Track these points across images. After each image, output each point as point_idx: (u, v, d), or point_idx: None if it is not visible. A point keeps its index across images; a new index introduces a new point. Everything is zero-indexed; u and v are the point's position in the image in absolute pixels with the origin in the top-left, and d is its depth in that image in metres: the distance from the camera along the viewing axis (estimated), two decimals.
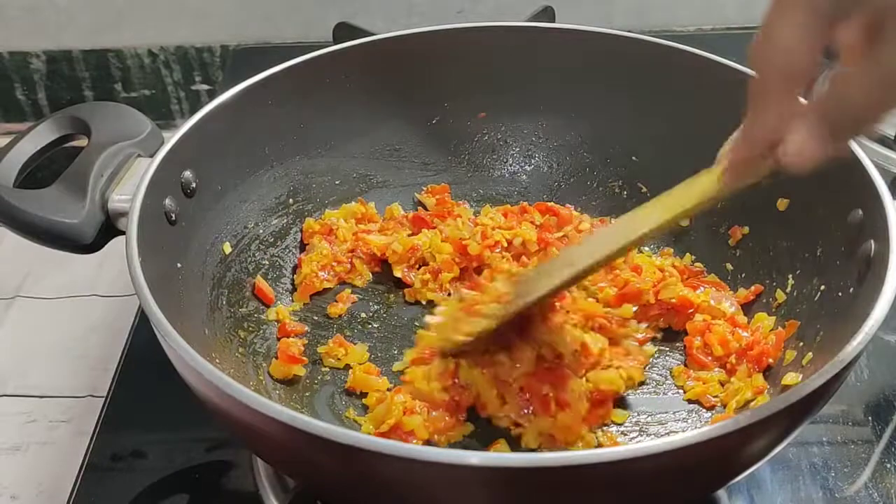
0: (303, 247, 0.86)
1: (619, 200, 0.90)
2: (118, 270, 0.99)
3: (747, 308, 0.79)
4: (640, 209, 0.64)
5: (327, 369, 0.76)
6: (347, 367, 0.76)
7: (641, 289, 0.78)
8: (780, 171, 0.52)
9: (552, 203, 0.90)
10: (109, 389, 0.80)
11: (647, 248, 0.87)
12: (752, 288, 0.79)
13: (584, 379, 0.70)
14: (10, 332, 0.95)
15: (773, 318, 0.75)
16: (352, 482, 0.55)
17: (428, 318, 0.75)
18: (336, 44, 0.86)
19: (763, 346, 0.72)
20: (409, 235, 0.86)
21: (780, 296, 0.76)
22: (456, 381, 0.71)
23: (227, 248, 0.79)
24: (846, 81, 0.47)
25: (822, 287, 0.70)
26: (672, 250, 0.86)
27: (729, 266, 0.82)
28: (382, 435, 0.67)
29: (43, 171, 0.74)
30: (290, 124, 0.85)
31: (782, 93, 0.49)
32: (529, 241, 0.84)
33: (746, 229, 0.82)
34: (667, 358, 0.77)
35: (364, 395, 0.73)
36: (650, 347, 0.77)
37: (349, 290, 0.83)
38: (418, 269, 0.84)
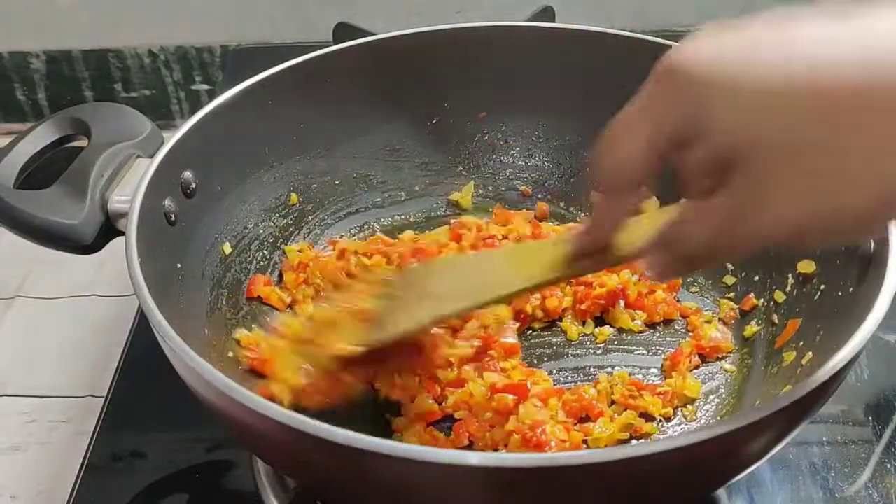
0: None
1: None
2: (118, 270, 0.99)
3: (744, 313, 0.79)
4: (495, 255, 0.69)
5: None
6: None
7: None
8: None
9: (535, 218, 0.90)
10: (109, 389, 0.80)
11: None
12: (743, 300, 0.80)
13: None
14: (10, 332, 0.95)
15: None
16: (352, 482, 0.55)
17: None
18: (336, 44, 0.86)
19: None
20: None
21: (780, 296, 0.76)
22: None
23: (227, 249, 0.79)
24: (683, 221, 0.49)
25: (822, 287, 0.70)
26: None
27: (729, 265, 0.82)
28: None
29: (43, 171, 0.74)
30: (290, 124, 0.85)
31: (616, 198, 0.53)
32: (525, 237, 0.84)
33: None
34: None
35: None
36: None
37: None
38: None
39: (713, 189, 0.46)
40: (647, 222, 0.57)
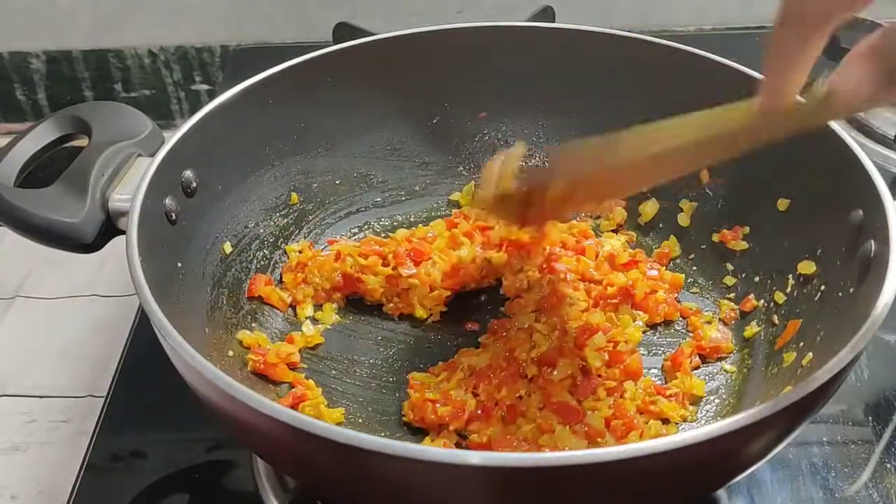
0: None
1: (619, 200, 0.90)
2: (118, 270, 0.99)
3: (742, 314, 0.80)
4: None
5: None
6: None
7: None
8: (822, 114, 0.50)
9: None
10: (109, 389, 0.80)
11: (647, 239, 0.88)
12: (742, 302, 0.80)
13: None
14: (10, 332, 0.95)
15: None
16: (352, 482, 0.55)
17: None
18: (336, 44, 0.86)
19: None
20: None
21: (780, 297, 0.76)
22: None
23: (228, 248, 0.79)
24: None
25: (823, 287, 0.70)
26: (677, 249, 0.86)
27: (729, 266, 0.82)
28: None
29: (43, 170, 0.74)
30: (290, 124, 0.85)
31: (818, 21, 0.48)
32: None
33: (747, 229, 0.82)
34: None
35: None
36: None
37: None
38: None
39: None
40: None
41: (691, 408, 0.72)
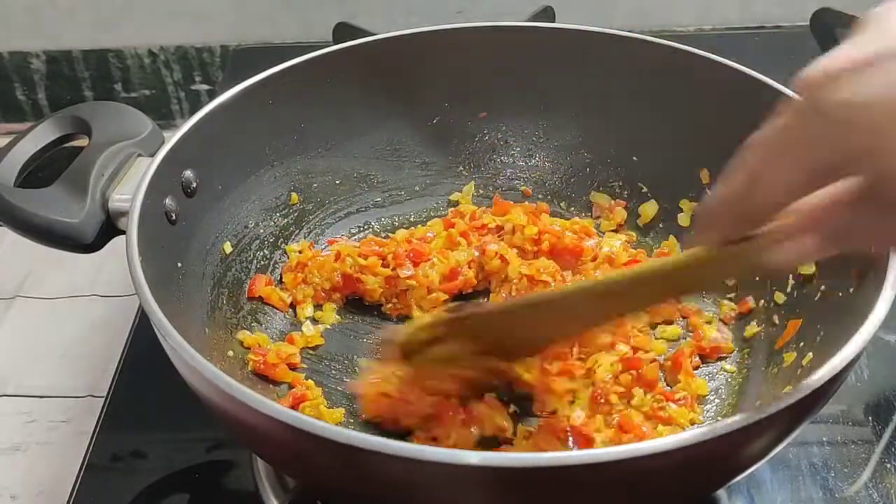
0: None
1: (619, 200, 0.90)
2: (118, 270, 0.99)
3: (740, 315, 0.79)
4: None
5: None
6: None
7: None
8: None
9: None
10: (109, 389, 0.80)
11: (647, 239, 0.88)
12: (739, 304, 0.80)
13: None
14: (10, 332, 0.95)
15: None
16: (352, 482, 0.55)
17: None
18: (336, 44, 0.86)
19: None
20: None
21: (780, 297, 0.76)
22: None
23: (228, 248, 0.79)
24: (841, 204, 0.47)
25: (823, 287, 0.70)
26: (677, 249, 0.86)
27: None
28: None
29: (43, 170, 0.74)
30: (290, 124, 0.85)
31: (741, 221, 0.50)
32: (519, 227, 0.84)
33: None
34: None
35: None
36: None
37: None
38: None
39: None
40: None
41: (699, 408, 0.72)
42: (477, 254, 0.83)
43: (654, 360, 0.74)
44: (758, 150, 0.48)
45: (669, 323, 0.80)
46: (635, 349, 0.75)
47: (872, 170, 0.44)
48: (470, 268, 0.83)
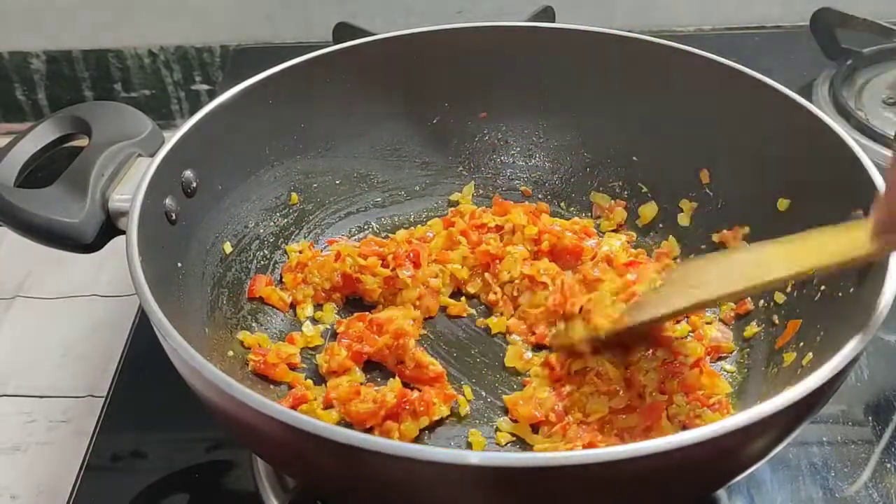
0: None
1: (619, 200, 0.90)
2: (118, 270, 0.99)
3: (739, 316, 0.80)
4: (768, 247, 0.66)
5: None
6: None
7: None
8: None
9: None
10: (109, 389, 0.80)
11: (647, 240, 0.88)
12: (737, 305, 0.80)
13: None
14: (10, 332, 0.95)
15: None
16: (352, 482, 0.55)
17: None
18: (336, 44, 0.86)
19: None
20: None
21: (780, 297, 0.76)
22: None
23: (228, 248, 0.79)
24: None
25: (822, 287, 0.70)
26: (677, 249, 0.86)
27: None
28: None
29: (43, 170, 0.74)
30: (290, 124, 0.85)
31: None
32: (519, 227, 0.84)
33: (747, 229, 0.82)
34: None
35: None
36: None
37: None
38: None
39: None
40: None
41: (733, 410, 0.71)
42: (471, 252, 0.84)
43: (694, 365, 0.73)
44: None
45: (676, 322, 0.80)
46: (675, 353, 0.74)
47: None
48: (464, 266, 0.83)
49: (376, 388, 0.72)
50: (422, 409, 0.70)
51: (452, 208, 0.91)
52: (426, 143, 0.93)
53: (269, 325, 0.80)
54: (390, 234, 0.88)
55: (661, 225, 0.88)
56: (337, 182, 0.90)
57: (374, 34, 0.89)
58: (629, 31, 0.87)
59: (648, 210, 0.89)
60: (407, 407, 0.70)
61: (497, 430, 0.71)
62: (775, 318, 0.76)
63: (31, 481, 0.79)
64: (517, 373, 0.76)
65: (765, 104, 0.78)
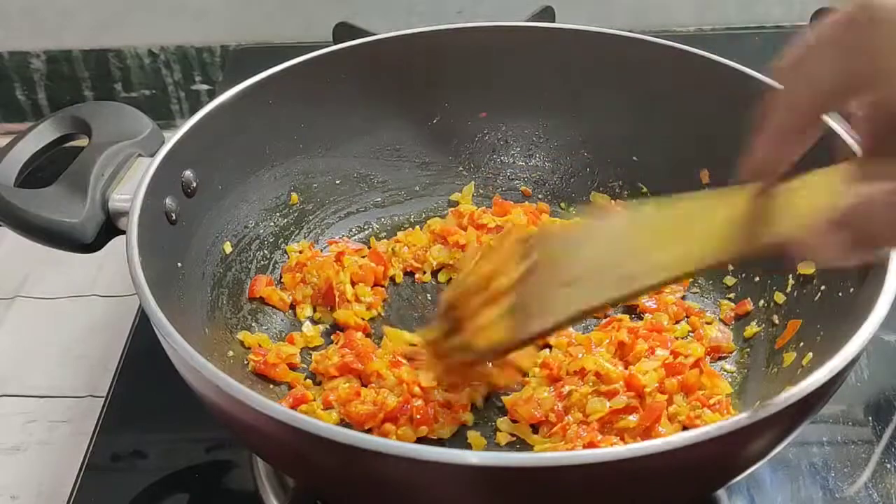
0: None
1: (619, 200, 0.90)
2: (118, 270, 0.99)
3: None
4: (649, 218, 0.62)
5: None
6: None
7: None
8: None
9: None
10: (109, 389, 0.80)
11: None
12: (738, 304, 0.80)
13: None
14: (10, 332, 0.95)
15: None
16: (352, 482, 0.55)
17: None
18: (336, 44, 0.86)
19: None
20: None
21: (780, 297, 0.76)
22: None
23: (228, 248, 0.79)
24: (870, 199, 0.45)
25: (823, 287, 0.70)
26: None
27: (729, 266, 0.82)
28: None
29: (43, 170, 0.74)
30: (290, 124, 0.85)
31: (789, 127, 0.49)
32: (519, 227, 0.84)
33: None
34: None
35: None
36: None
37: None
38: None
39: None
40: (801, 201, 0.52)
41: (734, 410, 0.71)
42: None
43: (694, 365, 0.72)
44: (806, 41, 0.47)
45: (676, 322, 0.80)
46: (675, 353, 0.73)
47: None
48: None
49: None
50: (419, 417, 0.69)
51: (452, 209, 0.91)
52: (426, 143, 0.93)
53: (269, 326, 0.80)
54: (391, 237, 0.88)
55: None
56: (337, 182, 0.90)
57: (374, 34, 0.89)
58: (629, 31, 0.87)
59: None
60: (408, 414, 0.69)
61: (497, 430, 0.71)
62: (775, 318, 0.76)
63: (31, 481, 0.79)
64: None
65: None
